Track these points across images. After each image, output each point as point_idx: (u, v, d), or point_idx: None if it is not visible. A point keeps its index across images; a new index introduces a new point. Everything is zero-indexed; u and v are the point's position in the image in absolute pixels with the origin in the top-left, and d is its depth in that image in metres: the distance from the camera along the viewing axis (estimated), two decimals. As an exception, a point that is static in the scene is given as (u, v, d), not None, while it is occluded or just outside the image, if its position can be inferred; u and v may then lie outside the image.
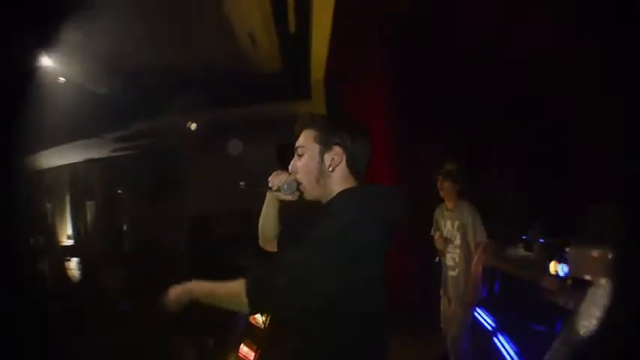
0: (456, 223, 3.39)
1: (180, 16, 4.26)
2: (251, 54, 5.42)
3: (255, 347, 3.31)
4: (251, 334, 3.47)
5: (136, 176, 7.89)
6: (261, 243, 1.57)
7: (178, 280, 1.28)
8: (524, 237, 4.04)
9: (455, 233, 3.39)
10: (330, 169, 1.31)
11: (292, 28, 4.68)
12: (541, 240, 3.70)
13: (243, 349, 3.29)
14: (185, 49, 4.69)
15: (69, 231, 8.50)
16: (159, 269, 4.57)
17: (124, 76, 4.53)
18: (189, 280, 1.30)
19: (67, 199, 8.76)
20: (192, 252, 6.58)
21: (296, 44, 5.01)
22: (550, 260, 3.05)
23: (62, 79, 4.66)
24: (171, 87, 5.13)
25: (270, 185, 1.40)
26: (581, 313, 2.12)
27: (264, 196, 1.53)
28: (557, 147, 4.16)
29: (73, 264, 6.22)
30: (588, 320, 2.02)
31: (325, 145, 1.32)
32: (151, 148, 7.64)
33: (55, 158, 7.89)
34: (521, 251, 3.99)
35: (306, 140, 1.35)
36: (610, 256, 2.45)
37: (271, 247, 1.54)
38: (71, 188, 8.78)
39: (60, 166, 8.45)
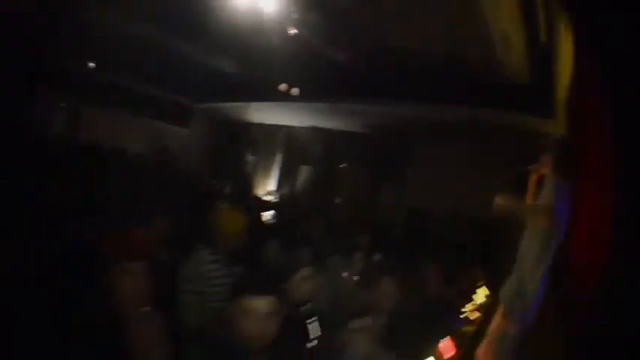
0: None
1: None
2: (503, 55, 5.31)
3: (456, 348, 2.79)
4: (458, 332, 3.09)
5: (362, 155, 7.57)
6: None
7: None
8: None
9: None
10: None
11: (543, 37, 4.44)
12: None
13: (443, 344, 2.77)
14: (432, 31, 4.81)
15: (271, 187, 8.66)
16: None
17: (363, 49, 4.33)
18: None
19: (278, 157, 8.85)
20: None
21: (544, 54, 4.72)
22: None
23: (292, 32, 4.17)
24: (412, 70, 5.13)
25: None
26: None
27: None
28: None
29: (267, 216, 6.23)
30: None
31: None
32: (379, 130, 7.18)
33: (266, 114, 7.81)
34: None
35: None
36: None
37: None
38: (284, 148, 8.78)
39: (272, 125, 8.63)
